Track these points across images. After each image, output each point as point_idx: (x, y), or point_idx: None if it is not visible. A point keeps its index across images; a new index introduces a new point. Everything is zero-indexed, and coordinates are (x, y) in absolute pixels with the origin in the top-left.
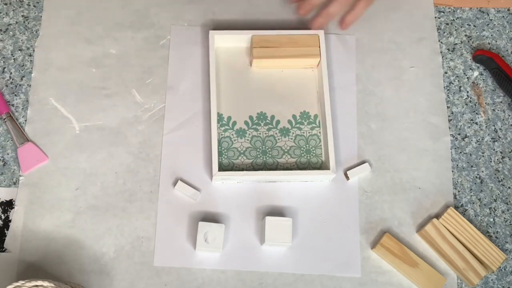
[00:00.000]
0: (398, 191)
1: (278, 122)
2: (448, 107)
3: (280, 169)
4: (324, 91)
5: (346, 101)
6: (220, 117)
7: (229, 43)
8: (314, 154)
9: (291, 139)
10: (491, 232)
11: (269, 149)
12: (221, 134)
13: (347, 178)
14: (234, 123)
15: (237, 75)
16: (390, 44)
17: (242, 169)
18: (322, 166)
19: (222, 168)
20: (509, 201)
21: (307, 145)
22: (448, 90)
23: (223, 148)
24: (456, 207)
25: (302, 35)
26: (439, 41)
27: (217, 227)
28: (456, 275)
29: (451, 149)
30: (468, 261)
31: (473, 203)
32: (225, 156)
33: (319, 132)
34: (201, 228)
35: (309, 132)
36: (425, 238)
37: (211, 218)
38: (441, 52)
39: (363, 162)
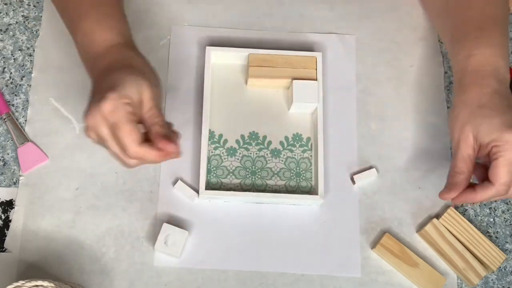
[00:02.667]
0: (398, 191)
1: (269, 142)
2: (448, 107)
3: (268, 191)
4: (318, 114)
5: (346, 101)
6: (211, 134)
7: (226, 60)
8: (304, 178)
9: (282, 161)
10: (491, 232)
11: (259, 170)
12: (211, 152)
13: (353, 182)
14: (225, 141)
15: (232, 92)
16: (390, 44)
17: (230, 189)
18: (311, 190)
19: (209, 186)
20: (509, 201)
21: (298, 168)
22: (448, 90)
23: (212, 166)
24: (456, 207)
25: (299, 57)
26: (439, 41)
27: (180, 232)
28: (456, 275)
29: (451, 149)
30: (468, 261)
31: (473, 203)
32: (214, 174)
33: (311, 156)
34: (164, 230)
35: (300, 155)
36: (425, 238)
37: (206, 220)
38: (441, 52)
39: (369, 167)
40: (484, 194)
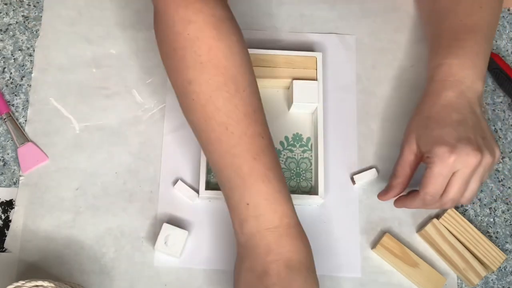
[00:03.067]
0: None
1: None
2: None
3: None
4: (318, 114)
5: (346, 101)
6: None
7: None
8: (304, 178)
9: (282, 161)
10: (491, 232)
11: None
12: None
13: (353, 182)
14: None
15: None
16: (390, 44)
17: None
18: (311, 190)
19: (210, 186)
20: (509, 201)
21: (298, 168)
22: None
23: None
24: (456, 207)
25: (299, 57)
26: None
27: (180, 233)
28: (456, 275)
29: None
30: (468, 261)
31: (473, 203)
32: (214, 174)
33: (311, 156)
34: (164, 230)
35: (300, 155)
36: (425, 238)
37: (206, 220)
38: None
39: (369, 168)
40: (412, 201)
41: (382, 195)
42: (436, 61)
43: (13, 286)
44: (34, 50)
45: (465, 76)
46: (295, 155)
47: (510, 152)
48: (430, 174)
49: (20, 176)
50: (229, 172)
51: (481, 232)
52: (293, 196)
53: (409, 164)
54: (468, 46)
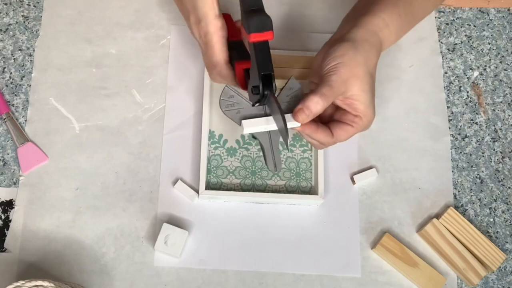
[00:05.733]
0: (398, 191)
1: None
2: (448, 107)
3: (268, 191)
4: None
5: None
6: (211, 134)
7: None
8: (304, 178)
9: (282, 161)
10: (491, 232)
11: (259, 170)
12: (211, 152)
13: (353, 182)
14: (225, 141)
15: None
16: None
17: (230, 189)
18: (311, 190)
19: (209, 186)
20: (509, 201)
21: (298, 168)
22: (448, 90)
23: (212, 166)
24: (456, 207)
25: (299, 57)
26: (439, 41)
27: (180, 232)
28: (456, 275)
29: (451, 149)
30: (468, 261)
31: (473, 203)
32: (214, 174)
33: (311, 156)
34: (164, 230)
35: (300, 155)
36: (425, 238)
37: (206, 220)
38: (441, 52)
39: (369, 168)
40: (322, 136)
41: (301, 115)
42: (387, 14)
43: (13, 286)
44: (34, 50)
45: (387, 38)
46: (295, 155)
47: (510, 152)
48: (353, 132)
49: (20, 176)
50: None
51: (481, 232)
52: (293, 196)
53: (337, 94)
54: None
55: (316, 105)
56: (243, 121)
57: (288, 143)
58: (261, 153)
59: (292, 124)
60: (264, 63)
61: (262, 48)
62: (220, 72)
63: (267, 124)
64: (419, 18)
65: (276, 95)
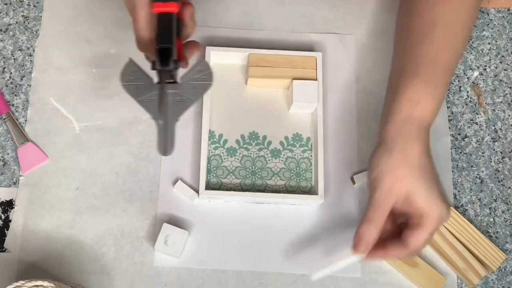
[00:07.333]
0: None
1: (269, 142)
2: (448, 107)
3: (268, 191)
4: (318, 114)
5: (346, 101)
6: (211, 134)
7: (226, 60)
8: (304, 178)
9: (282, 161)
10: (491, 232)
11: (259, 170)
12: (211, 152)
13: (353, 182)
14: (225, 141)
15: (232, 92)
16: (390, 44)
17: (230, 189)
18: (311, 190)
19: (209, 186)
20: (509, 201)
21: (298, 168)
22: (448, 90)
23: (212, 166)
24: (456, 207)
25: (299, 57)
26: None
27: (180, 232)
28: (456, 275)
29: (451, 149)
30: (468, 261)
31: (473, 203)
32: (214, 174)
33: (311, 156)
34: (164, 230)
35: (300, 155)
36: None
37: (206, 220)
38: None
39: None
40: (396, 252)
41: (358, 247)
42: (407, 94)
43: (13, 286)
44: (34, 50)
45: (425, 110)
46: (295, 155)
47: (510, 152)
48: (426, 232)
49: (20, 176)
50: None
51: (481, 232)
52: (293, 196)
53: (386, 209)
54: (440, 87)
55: (368, 233)
56: (313, 274)
57: (169, 149)
58: (261, 153)
59: (356, 258)
60: (163, 36)
61: (165, 19)
62: (146, 47)
63: (333, 267)
64: (452, 60)
65: (182, 75)
